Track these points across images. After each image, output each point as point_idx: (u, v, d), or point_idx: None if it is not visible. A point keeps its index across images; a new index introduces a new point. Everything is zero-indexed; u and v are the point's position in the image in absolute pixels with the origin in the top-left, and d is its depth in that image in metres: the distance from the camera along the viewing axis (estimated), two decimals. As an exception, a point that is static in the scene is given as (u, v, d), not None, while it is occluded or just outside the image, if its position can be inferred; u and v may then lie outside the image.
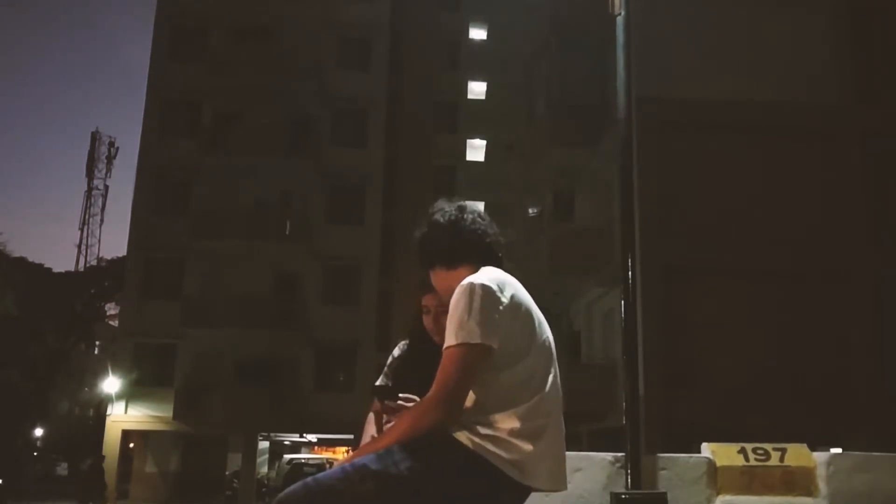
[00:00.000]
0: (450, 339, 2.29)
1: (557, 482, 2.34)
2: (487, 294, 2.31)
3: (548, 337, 2.43)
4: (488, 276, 2.38)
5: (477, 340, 2.25)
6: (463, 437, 2.25)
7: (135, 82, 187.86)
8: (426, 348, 3.16)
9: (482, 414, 2.27)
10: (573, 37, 21.45)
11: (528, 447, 2.26)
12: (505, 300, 2.32)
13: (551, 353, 2.42)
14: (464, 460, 2.23)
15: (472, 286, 2.32)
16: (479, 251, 2.52)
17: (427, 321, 3.09)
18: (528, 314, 2.39)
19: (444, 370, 2.27)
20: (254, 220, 30.83)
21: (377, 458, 2.23)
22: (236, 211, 31.07)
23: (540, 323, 2.42)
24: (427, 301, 3.02)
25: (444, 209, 2.58)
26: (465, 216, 2.55)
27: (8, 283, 37.16)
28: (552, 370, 2.41)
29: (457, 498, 2.22)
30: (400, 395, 2.65)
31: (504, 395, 2.28)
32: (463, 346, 2.25)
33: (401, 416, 2.35)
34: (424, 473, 2.20)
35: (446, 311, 2.68)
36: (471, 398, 2.28)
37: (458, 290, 2.35)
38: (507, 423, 2.26)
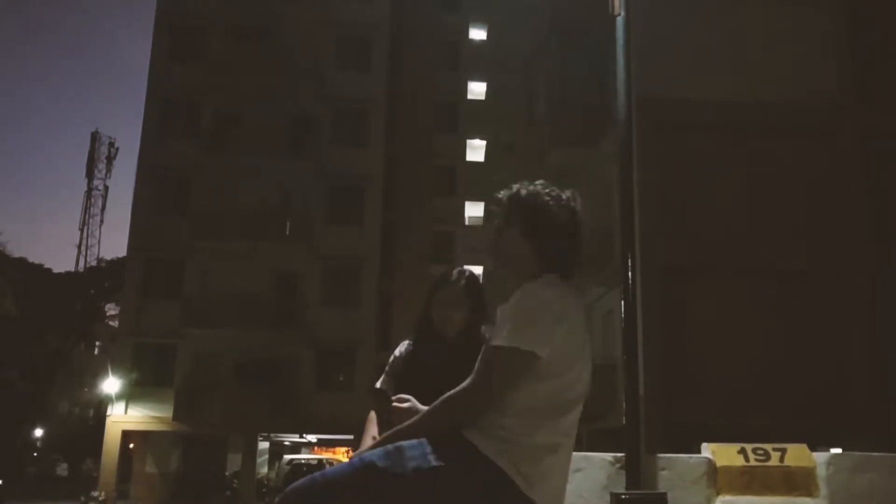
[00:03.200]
0: (500, 338, 2.26)
1: (558, 500, 2.33)
2: (551, 306, 2.28)
3: (589, 366, 2.40)
4: (556, 291, 2.33)
5: (528, 347, 2.22)
6: (477, 439, 2.23)
7: (135, 82, 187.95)
8: (430, 348, 3.14)
9: (505, 418, 2.25)
10: (573, 37, 21.44)
11: (538, 461, 2.24)
12: (565, 319, 2.29)
13: (587, 382, 2.39)
14: (474, 464, 2.21)
15: (539, 292, 2.30)
16: (564, 256, 2.43)
17: (440, 317, 3.08)
18: (580, 337, 2.35)
19: (488, 366, 2.26)
20: (254, 221, 30.83)
21: (385, 456, 2.22)
22: (236, 211, 31.08)
23: (587, 351, 2.38)
24: (444, 298, 3.03)
25: (576, 200, 2.48)
26: (584, 227, 2.46)
27: (8, 283, 37.19)
28: (583, 395, 2.38)
29: (461, 497, 2.20)
30: (393, 396, 2.63)
31: (533, 405, 2.26)
32: (511, 350, 2.23)
33: (433, 405, 2.33)
34: (432, 474, 2.19)
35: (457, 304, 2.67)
36: (499, 401, 2.26)
37: (524, 292, 2.31)
38: (521, 431, 2.24)
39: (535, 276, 2.37)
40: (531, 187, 2.48)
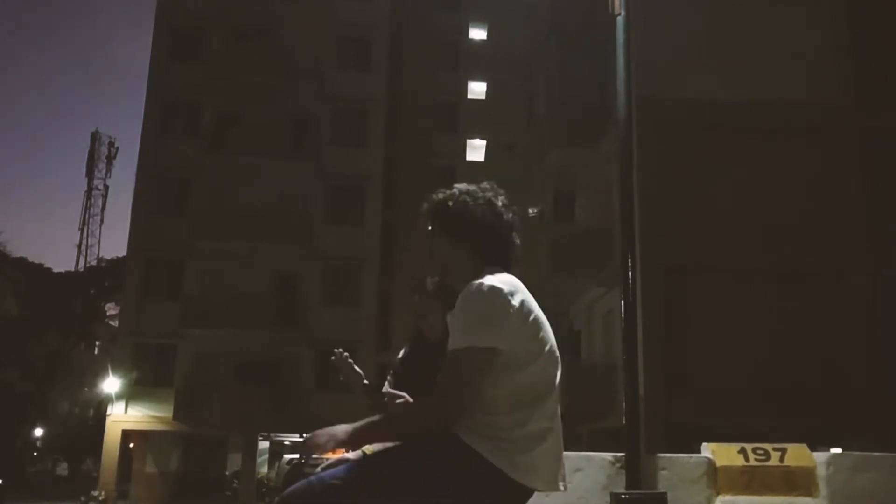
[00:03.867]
0: (455, 342, 2.28)
1: (556, 483, 2.34)
2: (497, 297, 2.28)
3: (554, 342, 2.43)
4: (498, 279, 2.34)
5: (483, 344, 2.23)
6: (467, 437, 2.25)
7: (135, 82, 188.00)
8: (424, 349, 3.23)
9: (489, 415, 2.26)
10: (573, 37, 21.45)
11: (532, 449, 2.26)
12: (515, 304, 2.30)
13: (558, 359, 2.41)
14: (467, 460, 2.22)
15: (481, 289, 2.30)
16: (500, 250, 2.46)
17: (422, 323, 3.18)
18: (537, 319, 2.37)
19: (446, 375, 2.27)
20: (254, 220, 30.81)
21: (381, 457, 2.25)
22: (236, 211, 31.07)
23: (547, 328, 2.40)
24: (418, 305, 3.15)
25: (494, 192, 2.51)
26: (508, 214, 2.49)
27: (8, 283, 37.18)
28: (558, 375, 2.41)
29: (459, 498, 2.22)
30: (384, 391, 2.68)
31: (512, 397, 2.27)
32: (467, 351, 2.24)
33: (402, 412, 2.35)
34: (427, 473, 2.21)
35: (432, 309, 2.72)
36: (479, 398, 2.27)
37: (465, 292, 2.32)
38: (513, 425, 2.26)
39: (477, 274, 2.37)
40: (448, 192, 2.51)
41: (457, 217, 2.45)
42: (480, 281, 2.33)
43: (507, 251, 2.48)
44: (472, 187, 2.51)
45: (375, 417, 2.37)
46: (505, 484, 2.23)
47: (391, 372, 3.39)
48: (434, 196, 2.53)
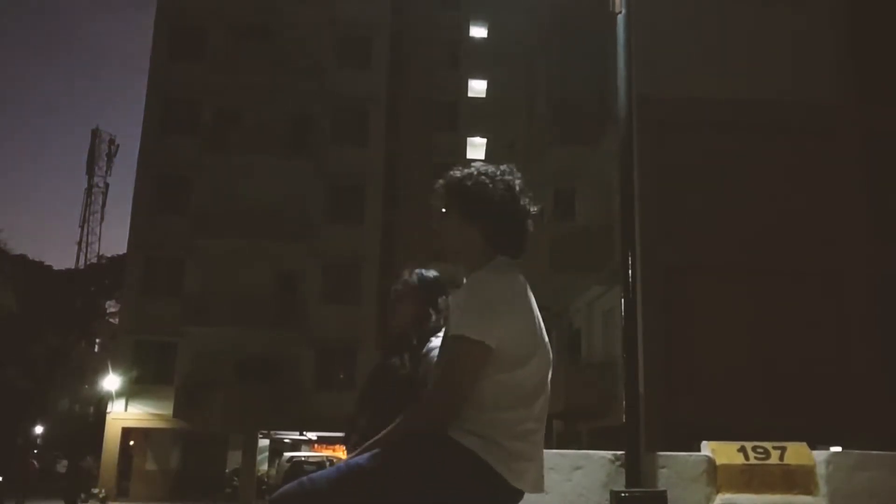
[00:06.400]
0: (453, 328, 2.28)
1: (540, 485, 2.34)
2: (497, 293, 2.28)
3: (547, 342, 2.41)
4: (501, 274, 2.33)
5: (476, 337, 2.22)
6: (461, 436, 2.24)
7: (135, 80, 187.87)
8: (380, 376, 3.19)
9: (482, 414, 2.25)
10: (574, 35, 21.42)
11: (522, 451, 2.26)
12: (513, 303, 2.30)
13: (550, 360, 2.39)
14: (461, 460, 2.21)
15: (484, 283, 2.30)
16: (513, 235, 2.40)
17: (396, 308, 3.18)
18: (533, 319, 2.35)
19: (444, 369, 2.28)
20: (254, 219, 30.83)
21: (372, 458, 2.23)
22: (236, 209, 31.09)
23: (542, 328, 2.38)
24: (398, 292, 3.14)
25: (513, 175, 2.43)
26: (525, 199, 2.41)
27: (8, 280, 37.20)
28: (548, 377, 2.40)
29: (452, 498, 2.21)
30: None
31: (505, 396, 2.26)
32: (464, 341, 2.23)
33: (406, 417, 2.34)
34: (420, 473, 2.20)
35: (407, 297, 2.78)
36: (472, 397, 2.26)
37: (469, 281, 2.33)
38: (506, 425, 2.25)
39: (486, 261, 2.35)
40: (465, 171, 2.44)
41: (474, 197, 2.37)
42: (485, 273, 2.32)
43: (519, 238, 2.41)
44: (492, 168, 2.43)
45: (385, 432, 2.34)
46: (497, 484, 2.23)
47: (358, 400, 3.29)
48: (451, 173, 2.45)
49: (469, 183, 2.39)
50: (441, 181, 2.45)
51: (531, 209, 2.42)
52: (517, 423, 2.26)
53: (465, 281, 2.36)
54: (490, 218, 2.36)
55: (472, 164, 2.47)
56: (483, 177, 2.39)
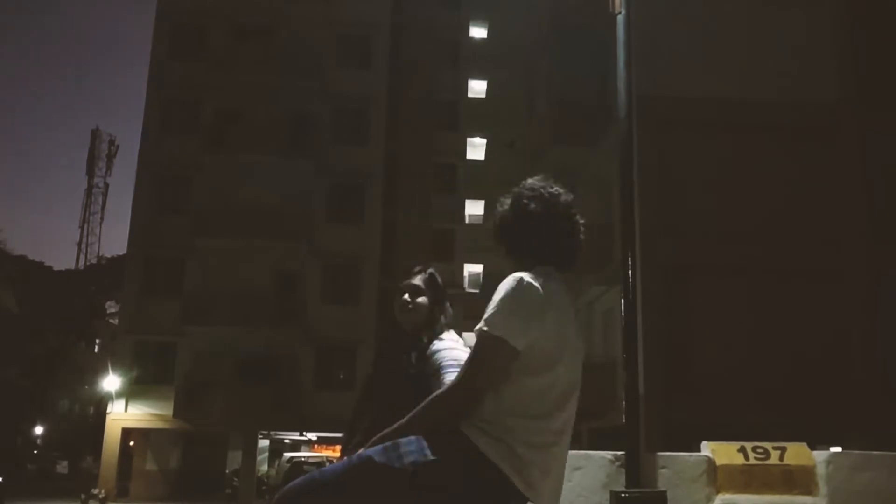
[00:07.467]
0: (482, 321, 2.29)
1: (555, 499, 2.33)
2: (531, 299, 2.28)
3: (578, 359, 2.39)
4: (542, 282, 2.32)
5: (499, 333, 2.23)
6: (475, 436, 2.23)
7: (135, 80, 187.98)
8: (385, 373, 3.15)
9: (500, 416, 2.24)
10: (573, 35, 21.44)
11: (535, 460, 2.24)
12: (545, 312, 2.29)
13: (578, 372, 2.38)
14: (471, 461, 2.20)
15: (521, 284, 2.30)
16: (556, 252, 2.46)
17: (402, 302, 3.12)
18: (565, 326, 2.34)
19: (466, 363, 2.30)
20: (254, 219, 30.80)
21: (382, 452, 2.23)
22: (236, 209, 31.05)
23: (572, 343, 2.37)
24: (405, 284, 3.08)
25: (559, 193, 2.50)
26: (568, 220, 2.47)
27: (8, 280, 37.20)
28: (577, 389, 2.37)
29: (460, 498, 2.20)
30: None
31: (525, 402, 2.25)
32: (488, 336, 2.24)
33: (422, 407, 2.33)
34: (429, 471, 2.19)
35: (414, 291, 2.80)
36: (491, 398, 2.25)
37: (508, 279, 2.33)
38: (522, 431, 2.23)
39: (529, 267, 2.37)
40: (525, 182, 2.52)
41: (516, 207, 2.47)
42: (522, 274, 2.33)
43: (557, 250, 2.46)
44: (545, 182, 2.51)
45: (397, 425, 2.34)
46: (506, 489, 2.21)
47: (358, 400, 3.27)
48: (498, 208, 2.54)
49: (519, 195, 2.49)
50: (494, 220, 2.55)
51: (573, 224, 2.48)
52: (533, 433, 2.24)
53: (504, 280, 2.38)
54: (526, 231, 2.45)
55: (535, 177, 2.55)
56: (529, 191, 2.48)
